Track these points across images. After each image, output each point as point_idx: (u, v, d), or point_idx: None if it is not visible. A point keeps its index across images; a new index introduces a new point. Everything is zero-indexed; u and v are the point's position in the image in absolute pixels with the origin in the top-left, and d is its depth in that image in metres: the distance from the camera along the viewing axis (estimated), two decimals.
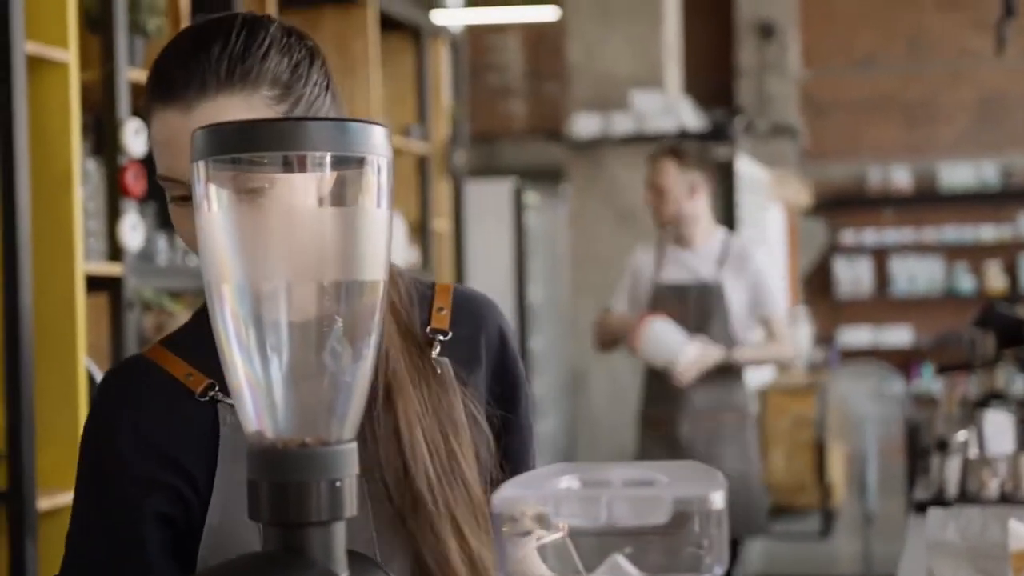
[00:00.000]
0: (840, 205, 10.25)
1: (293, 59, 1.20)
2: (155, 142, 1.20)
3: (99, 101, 3.00)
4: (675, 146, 4.19)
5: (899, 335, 10.22)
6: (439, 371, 1.26)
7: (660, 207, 4.04)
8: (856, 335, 10.26)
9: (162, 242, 3.26)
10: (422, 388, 1.25)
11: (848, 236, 10.27)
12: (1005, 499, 2.58)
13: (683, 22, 6.34)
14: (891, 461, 6.86)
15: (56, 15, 2.75)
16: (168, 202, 1.21)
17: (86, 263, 2.85)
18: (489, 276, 6.36)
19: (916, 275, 10.18)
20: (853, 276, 10.29)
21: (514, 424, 1.33)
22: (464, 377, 1.29)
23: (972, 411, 3.29)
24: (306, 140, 0.90)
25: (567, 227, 6.48)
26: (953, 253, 10.15)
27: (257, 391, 0.92)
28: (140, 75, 3.07)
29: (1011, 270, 10.09)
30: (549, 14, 6.30)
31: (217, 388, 1.22)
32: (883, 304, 10.29)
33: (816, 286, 10.35)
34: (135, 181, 3.00)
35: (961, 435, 2.88)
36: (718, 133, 6.45)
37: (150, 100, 1.20)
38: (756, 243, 8.10)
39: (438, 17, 5.21)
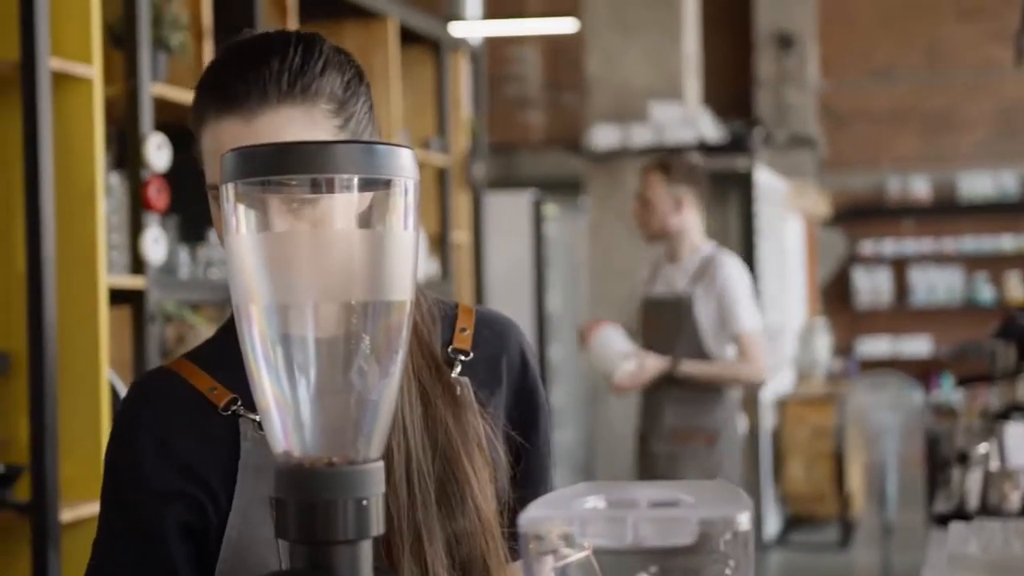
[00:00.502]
0: (859, 215, 10.22)
1: (346, 77, 1.22)
2: (208, 152, 1.21)
3: (122, 116, 3.02)
4: (664, 159, 4.20)
5: (918, 345, 10.18)
6: (458, 391, 1.27)
7: (646, 220, 4.06)
8: (875, 345, 10.23)
9: (184, 255, 3.28)
10: (438, 407, 1.26)
11: (867, 246, 10.24)
12: None
13: (702, 33, 6.35)
14: (910, 472, 6.84)
15: (80, 31, 2.78)
16: (215, 212, 1.22)
17: (109, 276, 2.87)
18: (508, 287, 6.36)
19: (935, 285, 10.15)
20: (872, 286, 10.26)
21: (532, 447, 1.34)
22: (484, 398, 1.29)
23: (993, 423, 3.28)
24: (335, 162, 0.91)
25: (586, 238, 6.49)
26: (972, 263, 10.12)
27: (285, 410, 0.93)
28: (163, 90, 3.10)
29: None
30: (568, 26, 6.31)
31: (240, 403, 1.23)
32: (902, 314, 10.26)
33: (835, 296, 10.32)
34: (158, 195, 3.02)
35: (982, 447, 2.88)
36: (737, 144, 6.44)
37: (204, 109, 1.20)
38: (773, 254, 8.10)
39: (457, 30, 5.23)
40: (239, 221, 0.93)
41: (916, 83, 10.13)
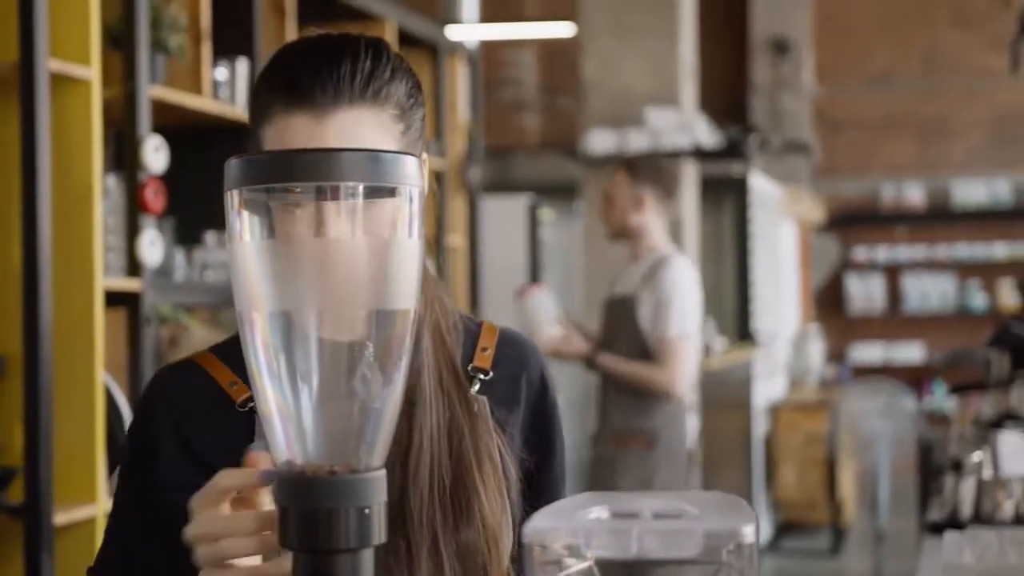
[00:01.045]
0: (853, 222, 10.24)
1: (409, 85, 1.24)
2: (270, 145, 1.20)
3: (120, 117, 3.02)
4: (631, 159, 4.26)
5: (911, 352, 10.20)
6: (475, 407, 1.28)
7: (608, 217, 4.09)
8: (868, 352, 10.24)
9: (180, 258, 3.27)
10: (457, 415, 1.27)
11: (860, 253, 10.25)
12: (1020, 520, 2.58)
13: (698, 39, 6.35)
14: (903, 478, 6.85)
15: (79, 33, 2.77)
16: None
17: (105, 278, 2.86)
18: (503, 291, 6.36)
19: (928, 292, 10.16)
20: (865, 293, 10.27)
21: (547, 469, 1.35)
22: (502, 417, 1.30)
23: (986, 431, 3.28)
24: (339, 170, 0.91)
25: (581, 243, 6.49)
26: (966, 270, 10.14)
27: (287, 418, 0.93)
28: (162, 92, 3.09)
29: (1023, 288, 10.07)
30: (565, 30, 6.31)
31: None
32: (895, 321, 10.27)
33: (828, 302, 10.34)
34: (155, 197, 3.02)
35: (976, 456, 2.88)
36: (733, 150, 6.45)
37: (270, 103, 1.20)
38: (767, 260, 8.11)
39: (454, 33, 5.22)
40: (243, 228, 0.93)
41: (911, 90, 10.15)
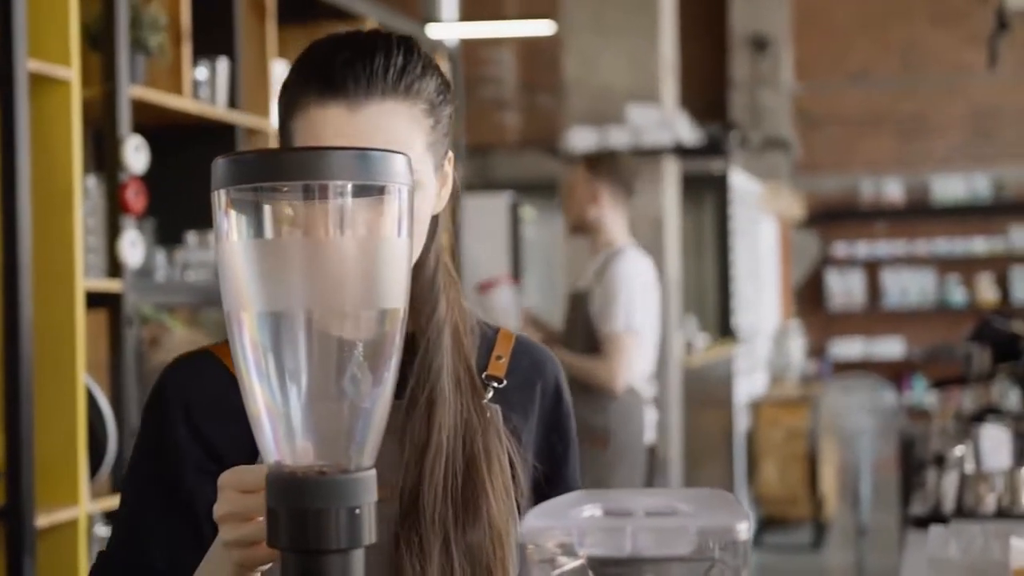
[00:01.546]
0: (832, 218, 10.27)
1: (439, 82, 1.25)
2: (301, 136, 1.21)
3: (100, 118, 3.00)
4: (592, 155, 4.36)
5: (891, 347, 10.24)
6: (488, 414, 1.28)
7: (566, 210, 4.17)
8: (848, 347, 10.28)
9: (161, 258, 3.26)
10: (469, 420, 1.27)
11: (840, 249, 10.29)
12: (1002, 514, 2.59)
13: (678, 36, 6.36)
14: (884, 473, 6.88)
15: (58, 33, 2.76)
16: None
17: (86, 279, 2.85)
18: None
19: (908, 288, 10.21)
20: (845, 288, 10.31)
21: (559, 478, 1.35)
22: (516, 424, 1.31)
23: (968, 425, 3.30)
24: (328, 169, 0.90)
25: (563, 241, 6.49)
26: (945, 266, 10.18)
27: (276, 418, 0.93)
28: (142, 92, 3.08)
29: (1002, 283, 10.12)
30: (545, 28, 6.31)
31: None
32: (875, 316, 10.32)
33: (808, 298, 10.37)
34: (135, 198, 3.01)
35: (958, 450, 2.89)
36: (713, 147, 6.46)
37: (304, 94, 1.20)
38: (748, 256, 8.13)
39: (434, 31, 5.22)
40: (231, 227, 0.92)
41: (890, 86, 10.19)
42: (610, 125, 5.77)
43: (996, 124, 10.09)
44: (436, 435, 1.24)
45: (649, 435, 4.03)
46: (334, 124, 1.18)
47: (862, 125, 10.27)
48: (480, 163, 9.00)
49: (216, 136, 3.42)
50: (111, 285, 2.97)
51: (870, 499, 6.31)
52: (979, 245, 10.05)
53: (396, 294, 0.93)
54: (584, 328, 3.92)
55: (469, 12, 6.42)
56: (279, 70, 3.74)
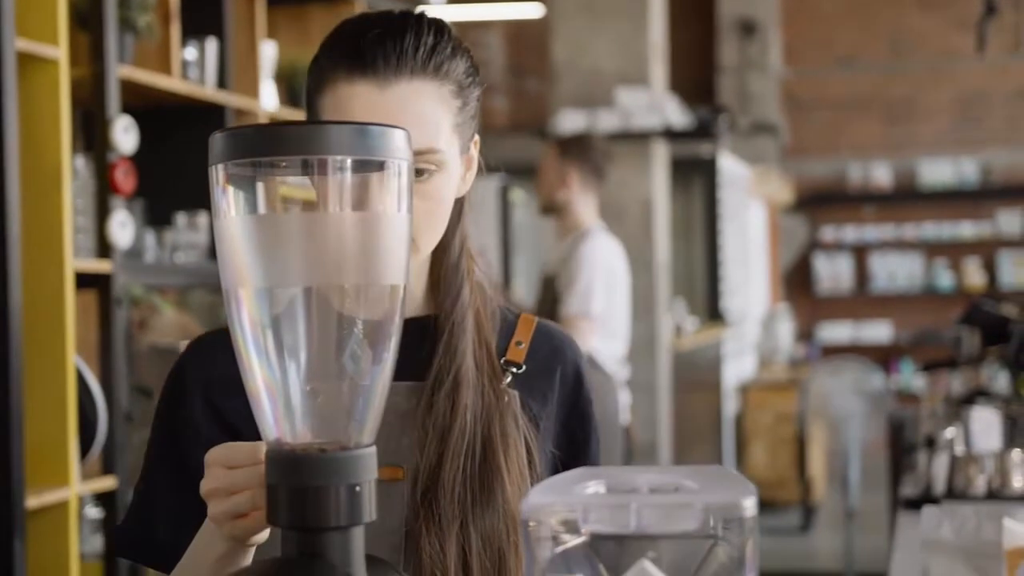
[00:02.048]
0: (821, 202, 10.28)
1: (467, 64, 1.25)
2: (329, 113, 1.21)
3: (89, 98, 2.98)
4: (563, 138, 4.33)
5: (879, 331, 10.27)
6: (506, 399, 1.28)
7: (537, 190, 4.19)
8: (836, 331, 10.30)
9: (151, 239, 3.24)
10: (490, 399, 1.27)
11: (828, 233, 10.30)
12: (992, 496, 2.60)
13: (667, 19, 6.34)
14: (872, 456, 6.89)
15: (47, 12, 2.73)
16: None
17: (75, 260, 2.83)
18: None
19: (896, 272, 10.23)
20: (833, 272, 10.33)
21: (579, 465, 1.34)
22: (536, 409, 1.31)
23: (958, 408, 3.31)
24: (327, 144, 0.89)
25: (552, 224, 6.48)
26: (932, 250, 10.20)
27: (276, 396, 0.92)
28: (130, 72, 3.06)
29: (989, 267, 10.15)
30: (534, 11, 6.29)
31: None
32: (863, 300, 10.34)
33: (797, 282, 10.38)
34: (124, 178, 2.99)
35: (948, 432, 2.90)
36: (702, 131, 6.45)
37: (332, 70, 1.20)
38: (736, 240, 8.13)
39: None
40: (228, 203, 0.91)
41: (877, 71, 10.19)
42: (599, 108, 5.76)
43: (984, 109, 10.10)
44: (460, 416, 1.24)
45: (624, 417, 4.03)
46: (362, 101, 1.18)
47: (850, 109, 10.28)
48: None
49: (205, 117, 3.40)
50: (100, 266, 2.96)
51: (859, 482, 6.32)
52: (966, 229, 10.07)
53: (396, 270, 0.92)
54: (553, 310, 3.93)
55: None
56: (268, 50, 3.72)
